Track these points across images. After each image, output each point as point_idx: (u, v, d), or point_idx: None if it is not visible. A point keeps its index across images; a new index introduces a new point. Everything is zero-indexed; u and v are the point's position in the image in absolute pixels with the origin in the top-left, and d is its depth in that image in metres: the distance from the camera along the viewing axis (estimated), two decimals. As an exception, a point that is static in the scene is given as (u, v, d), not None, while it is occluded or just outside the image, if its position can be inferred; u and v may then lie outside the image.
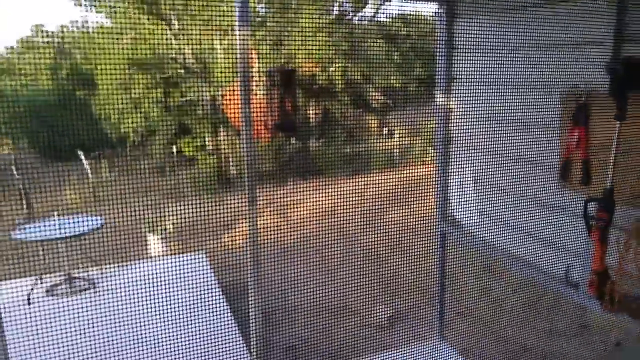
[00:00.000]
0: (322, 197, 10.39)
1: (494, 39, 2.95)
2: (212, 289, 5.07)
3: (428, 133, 14.34)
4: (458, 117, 3.37)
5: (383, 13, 20.46)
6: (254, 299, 3.44)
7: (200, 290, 5.08)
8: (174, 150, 13.25)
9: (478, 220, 3.25)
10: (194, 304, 4.82)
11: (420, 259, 6.41)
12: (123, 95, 12.64)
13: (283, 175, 12.63)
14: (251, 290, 3.43)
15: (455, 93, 3.36)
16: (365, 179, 12.08)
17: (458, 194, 3.42)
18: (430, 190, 10.00)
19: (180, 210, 8.85)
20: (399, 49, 14.26)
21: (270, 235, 7.95)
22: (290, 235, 7.84)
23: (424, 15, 16.54)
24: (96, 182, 11.59)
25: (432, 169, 12.60)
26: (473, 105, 3.19)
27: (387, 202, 9.31)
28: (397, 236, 7.50)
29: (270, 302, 5.46)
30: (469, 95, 3.24)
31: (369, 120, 18.39)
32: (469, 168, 3.28)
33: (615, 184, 2.02)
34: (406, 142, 15.13)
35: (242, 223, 8.53)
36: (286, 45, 11.23)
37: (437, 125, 3.53)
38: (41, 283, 5.32)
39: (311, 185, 11.74)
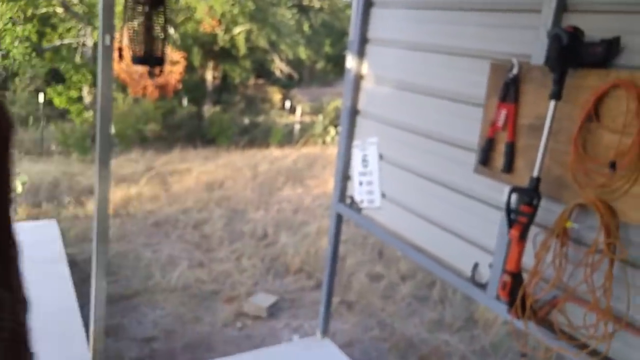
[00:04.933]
0: (211, 167, 9.69)
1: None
2: (56, 263, 4.21)
3: (331, 113, 14.11)
4: (370, 84, 2.91)
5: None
6: (97, 277, 2.77)
7: (40, 265, 4.18)
8: (41, 98, 11.55)
9: (379, 203, 2.83)
10: (29, 281, 3.95)
11: (314, 241, 6.05)
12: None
13: (170, 141, 11.63)
14: (95, 267, 2.75)
15: (370, 57, 2.89)
16: (261, 153, 11.53)
17: (360, 172, 2.98)
18: (330, 171, 9.75)
19: (38, 169, 7.59)
20: (310, 21, 13.75)
21: (145, 205, 7.11)
22: (169, 207, 7.09)
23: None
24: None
25: (333, 148, 12.37)
26: (387, 72, 2.75)
27: (282, 179, 8.85)
28: (289, 216, 7.09)
29: (130, 283, 4.73)
30: (384, 60, 2.80)
31: (271, 91, 17.75)
32: (375, 144, 2.84)
33: (543, 173, 1.67)
34: (308, 120, 14.75)
35: (113, 189, 7.56)
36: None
37: (344, 93, 3.05)
38: None
39: (201, 155, 10.94)
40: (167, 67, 10.64)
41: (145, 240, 5.90)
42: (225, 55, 13.29)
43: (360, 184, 3.04)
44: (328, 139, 13.27)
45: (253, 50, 13.30)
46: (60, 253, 4.45)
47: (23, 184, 6.35)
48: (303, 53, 12.96)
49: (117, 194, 7.24)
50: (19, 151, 9.79)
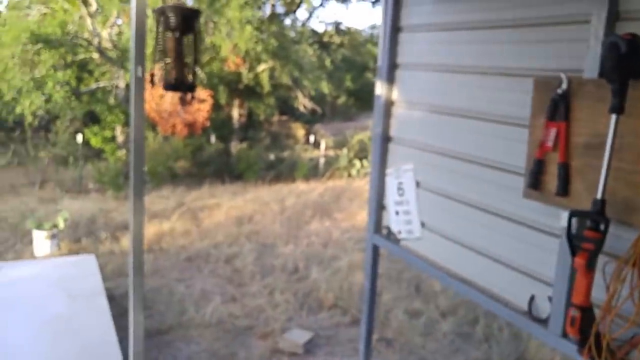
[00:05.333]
0: (240, 202, 9.73)
1: (447, 17, 2.49)
2: (96, 296, 4.22)
3: (355, 146, 14.13)
4: (401, 110, 2.88)
5: (317, 18, 20.25)
6: (135, 311, 2.73)
7: (80, 299, 4.22)
8: (79, 139, 11.90)
9: (419, 233, 2.74)
10: (70, 314, 3.97)
11: (346, 275, 5.94)
12: (22, 73, 11.17)
13: (200, 177, 11.77)
14: (132, 301, 2.71)
15: (400, 82, 2.87)
16: (287, 187, 11.56)
17: (396, 201, 2.91)
18: (358, 203, 9.68)
19: (78, 206, 7.73)
20: (331, 56, 13.96)
21: (177, 240, 7.14)
22: (200, 242, 7.09)
23: (358, 29, 16.49)
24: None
25: (359, 181, 12.32)
26: (420, 97, 2.71)
27: (309, 213, 8.80)
28: (319, 250, 7.01)
29: (164, 317, 4.69)
30: (416, 84, 2.77)
31: (295, 127, 17.94)
32: (411, 171, 2.77)
33: (608, 194, 1.56)
34: (333, 153, 14.78)
35: (146, 225, 7.62)
36: (210, 35, 10.45)
37: (375, 120, 3.02)
38: None
39: (229, 190, 11.02)
40: (195, 106, 10.90)
41: (178, 275, 5.89)
42: (250, 92, 13.55)
43: (397, 213, 2.96)
44: (353, 171, 13.24)
45: (277, 87, 13.53)
46: (99, 287, 4.48)
47: (65, 220, 6.48)
48: (326, 88, 13.11)
49: (149, 230, 7.30)
50: (60, 189, 10.04)
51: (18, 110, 11.45)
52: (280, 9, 12.46)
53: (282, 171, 12.80)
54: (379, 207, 3.06)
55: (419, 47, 2.76)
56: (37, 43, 10.97)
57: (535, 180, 1.90)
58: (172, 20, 2.07)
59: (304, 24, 13.57)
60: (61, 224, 6.35)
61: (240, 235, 7.43)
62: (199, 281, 5.71)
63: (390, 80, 2.90)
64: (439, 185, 2.57)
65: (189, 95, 2.30)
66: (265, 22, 10.55)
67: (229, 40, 9.81)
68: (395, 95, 2.90)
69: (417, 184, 2.75)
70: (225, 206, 9.14)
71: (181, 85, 2.21)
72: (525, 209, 2.03)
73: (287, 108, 16.86)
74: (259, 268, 6.13)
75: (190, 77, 2.21)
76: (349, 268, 6.01)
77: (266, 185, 11.67)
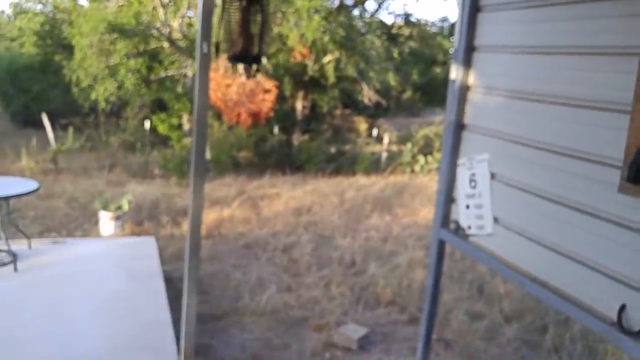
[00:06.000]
0: (299, 193, 9.71)
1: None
2: (153, 278, 4.29)
3: (420, 141, 13.75)
4: (478, 95, 2.66)
5: (386, 10, 19.90)
6: (188, 294, 2.70)
7: (139, 279, 4.30)
8: (147, 126, 12.34)
9: (490, 229, 2.53)
10: (128, 292, 4.05)
11: (406, 272, 5.73)
12: (98, 61, 11.72)
13: (262, 167, 11.86)
14: (186, 285, 2.68)
15: (478, 66, 2.65)
16: (348, 180, 11.42)
17: (467, 194, 2.70)
18: (420, 200, 9.39)
19: (142, 190, 7.96)
20: (399, 49, 13.61)
21: (236, 227, 7.19)
22: (259, 230, 7.11)
23: (428, 21, 15.99)
24: (56, 151, 10.65)
25: (422, 177, 11.98)
26: (500, 81, 2.49)
27: (369, 207, 8.62)
28: (378, 244, 6.83)
29: (219, 303, 4.70)
30: (495, 67, 2.54)
31: (358, 120, 17.73)
32: (486, 161, 2.56)
33: None
34: (396, 149, 14.47)
35: (207, 211, 7.74)
36: (278, 25, 10.45)
37: (448, 106, 2.81)
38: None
39: (289, 181, 11.03)
40: (259, 96, 10.99)
41: (235, 262, 5.91)
42: (314, 84, 13.48)
43: (467, 207, 2.75)
44: (417, 167, 12.88)
45: (341, 80, 13.38)
46: (157, 269, 4.55)
47: (129, 202, 6.69)
48: (392, 79, 12.79)
49: (210, 216, 7.41)
50: (127, 173, 10.45)
51: (93, 96, 12.06)
52: (349, 1, 12.27)
53: (343, 164, 12.67)
54: (447, 199, 2.86)
55: (501, 27, 2.53)
56: (113, 33, 11.46)
57: (636, 173, 1.66)
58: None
59: (372, 15, 13.32)
60: (125, 206, 6.56)
61: (299, 225, 7.39)
62: (255, 269, 5.70)
63: (467, 63, 2.68)
64: (517, 177, 2.34)
65: (254, 68, 2.21)
66: (334, 12, 10.41)
67: (297, 30, 9.76)
68: (471, 79, 2.69)
69: (492, 176, 2.53)
70: (285, 196, 9.14)
71: (246, 56, 2.12)
72: (620, 205, 1.78)
73: (350, 101, 16.67)
74: (316, 259, 6.04)
75: (256, 49, 2.12)
76: (408, 265, 5.80)
77: (326, 178, 11.59)
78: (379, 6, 13.60)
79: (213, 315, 4.47)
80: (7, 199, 4.50)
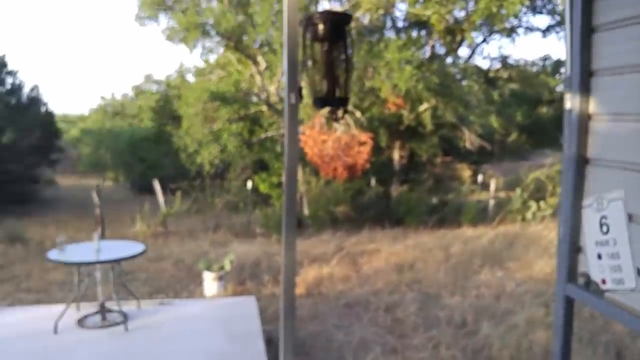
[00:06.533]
0: (400, 248, 9.31)
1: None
2: (253, 338, 4.18)
3: (530, 186, 12.80)
4: (602, 124, 2.28)
5: (480, 55, 19.41)
6: (286, 357, 2.50)
7: (240, 339, 4.21)
8: (249, 186, 12.80)
9: (633, 283, 2.08)
10: (229, 353, 3.95)
11: (525, 332, 5.09)
12: (202, 127, 12.56)
13: (359, 221, 11.66)
14: (282, 348, 2.49)
15: (598, 92, 2.29)
16: (452, 232, 10.80)
17: (597, 241, 2.28)
18: (535, 251, 8.56)
19: (244, 249, 8.07)
20: (499, 91, 13.04)
21: (336, 286, 6.96)
22: (359, 288, 6.81)
23: (528, 60, 15.26)
24: (166, 214, 11.33)
25: (535, 225, 11.03)
26: (630, 106, 2.10)
27: (478, 262, 7.99)
28: (490, 302, 6.22)
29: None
30: (621, 91, 2.17)
31: (460, 168, 17.06)
32: (620, 200, 2.14)
33: None
34: (504, 195, 13.58)
35: (306, 269, 7.63)
36: (370, 79, 10.51)
37: (565, 139, 2.45)
38: (77, 310, 4.74)
39: (389, 235, 10.67)
40: (355, 149, 10.97)
41: (337, 322, 5.64)
42: (411, 133, 13.26)
43: (599, 257, 2.30)
44: (529, 215, 11.91)
45: (440, 127, 13.03)
46: (258, 329, 4.45)
47: (231, 262, 6.78)
48: (495, 122, 12.17)
49: (309, 274, 7.28)
50: (230, 233, 10.79)
51: (198, 160, 12.87)
52: (440, 50, 12.12)
53: (447, 215, 12.06)
54: (572, 249, 2.43)
55: (622, 46, 2.17)
56: (215, 101, 12.28)
57: None
58: (321, 28, 1.87)
59: (466, 61, 13.01)
60: (227, 266, 6.63)
61: (401, 283, 6.99)
62: (358, 329, 5.39)
63: (585, 90, 2.33)
64: (665, 218, 1.91)
65: (340, 112, 2.05)
66: (425, 62, 10.30)
67: (389, 82, 9.74)
68: (592, 107, 2.32)
69: (630, 218, 2.10)
70: (385, 252, 8.80)
71: (332, 99, 1.98)
72: None
73: (451, 148, 16.17)
74: (422, 319, 5.59)
75: (342, 91, 1.97)
76: (527, 324, 5.15)
77: (428, 231, 11.08)
78: (473, 52, 13.29)
79: (314, 379, 4.22)
80: (118, 261, 4.72)
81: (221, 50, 12.45)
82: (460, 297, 6.29)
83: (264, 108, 12.99)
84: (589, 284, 2.36)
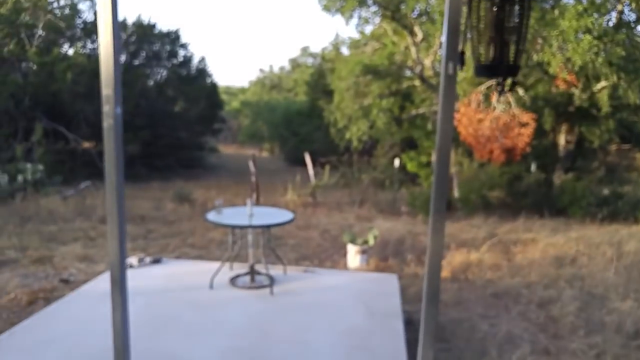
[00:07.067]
0: (560, 240, 8.41)
1: None
2: (392, 317, 4.09)
3: None
4: None
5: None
6: (424, 345, 2.35)
7: (378, 316, 4.15)
8: (397, 164, 12.61)
9: None
10: (367, 329, 3.92)
11: None
12: (353, 102, 12.59)
13: (515, 208, 10.79)
14: (423, 332, 2.34)
15: None
16: (627, 229, 9.45)
17: None
18: None
19: (389, 226, 8.00)
20: None
21: (484, 273, 6.53)
22: (510, 279, 6.30)
23: None
24: (315, 186, 11.71)
25: None
26: None
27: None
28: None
29: (462, 355, 4.18)
30: None
31: (639, 158, 14.86)
32: None
33: None
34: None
35: (453, 253, 7.29)
36: (539, 53, 9.46)
37: None
38: (231, 269, 5.13)
39: (548, 225, 9.72)
40: (515, 130, 10.09)
41: (483, 311, 5.30)
42: (582, 115, 11.79)
43: None
44: None
45: (619, 109, 11.34)
46: (397, 308, 4.35)
47: (375, 237, 6.75)
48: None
49: (456, 258, 6.95)
50: (375, 209, 10.81)
51: (347, 136, 12.98)
52: (629, 16, 10.31)
53: (621, 209, 10.58)
54: None
55: None
56: (367, 74, 12.18)
57: None
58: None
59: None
60: (371, 241, 6.61)
61: (559, 278, 6.31)
62: (505, 322, 4.99)
63: None
64: None
65: (507, 82, 1.78)
66: (610, 31, 8.87)
67: (561, 55, 8.62)
68: None
69: None
70: (542, 242, 8.03)
71: (499, 67, 1.72)
72: None
73: (631, 135, 14.11)
74: (583, 322, 4.97)
75: (511, 57, 1.71)
76: None
77: (596, 224, 9.85)
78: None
79: (454, 368, 4.00)
80: (268, 227, 4.96)
81: (377, 20, 12.18)
82: (633, 302, 5.46)
83: (417, 82, 12.55)
84: None
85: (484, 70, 1.84)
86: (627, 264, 6.89)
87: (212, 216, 4.93)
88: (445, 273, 6.47)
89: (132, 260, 5.40)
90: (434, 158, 11.94)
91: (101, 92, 2.07)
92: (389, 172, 13.10)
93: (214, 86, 20.71)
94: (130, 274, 2.32)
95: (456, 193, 11.39)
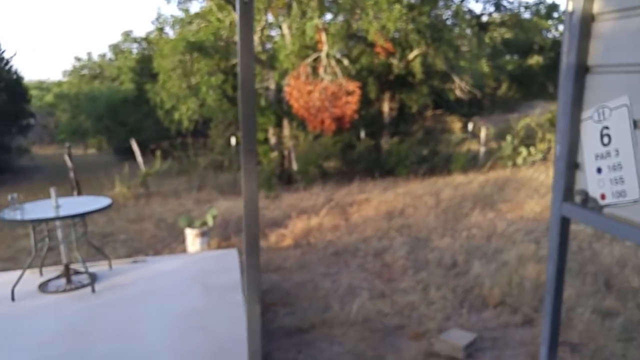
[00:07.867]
0: (390, 196, 9.11)
1: None
2: (232, 290, 3.97)
3: (521, 132, 12.56)
4: (607, 25, 1.99)
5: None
6: (250, 304, 2.29)
7: (217, 293, 4.01)
8: (233, 142, 12.42)
9: (637, 195, 1.85)
10: (204, 307, 3.74)
11: (515, 269, 4.94)
12: (180, 82, 12.00)
13: (350, 174, 11.41)
14: (247, 294, 2.27)
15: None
16: (443, 179, 10.61)
17: (598, 154, 2.04)
18: (525, 193, 8.40)
19: (229, 206, 7.77)
20: (490, 35, 12.54)
21: (325, 235, 6.78)
22: (348, 237, 6.63)
23: (522, 1, 14.51)
24: (145, 175, 10.95)
25: (526, 170, 10.84)
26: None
27: (469, 205, 7.82)
28: (481, 242, 6.06)
29: (306, 314, 4.26)
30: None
31: (450, 120, 16.75)
32: (625, 107, 1.89)
33: None
34: (495, 146, 13.34)
35: (294, 221, 7.42)
36: (357, 22, 9.99)
37: (563, 44, 2.16)
38: (41, 275, 4.41)
39: (380, 185, 10.46)
40: (342, 99, 10.59)
41: (325, 270, 5.48)
42: (401, 84, 12.85)
43: (599, 170, 2.07)
44: (519, 160, 11.73)
45: (430, 76, 12.60)
46: (237, 281, 4.23)
47: (213, 217, 6.53)
48: (485, 67, 11.74)
49: (297, 226, 7.08)
50: (216, 192, 10.48)
51: (176, 116, 12.31)
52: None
53: (437, 164, 11.85)
54: (570, 166, 2.19)
55: None
56: (192, 51, 11.67)
57: None
58: None
59: (459, 4, 12.37)
60: (210, 221, 6.39)
61: (391, 229, 6.82)
62: (345, 276, 5.23)
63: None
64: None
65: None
66: (417, 5, 9.71)
67: (377, 23, 9.20)
68: (597, 6, 2.02)
69: (635, 124, 1.85)
70: (375, 201, 8.61)
71: None
72: None
73: (442, 102, 15.77)
74: (412, 262, 5.44)
75: None
76: (518, 261, 5.02)
77: (419, 179, 10.88)
78: (466, -6, 12.67)
79: (299, 328, 4.05)
80: (80, 216, 4.25)
81: (201, -2, 11.65)
82: (450, 239, 6.14)
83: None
84: (586, 201, 2.13)
85: None
86: (444, 208, 7.72)
87: (6, 214, 4.11)
88: (287, 241, 6.56)
89: None
90: (270, 134, 11.93)
91: None
92: (228, 153, 12.84)
93: (17, 77, 18.09)
94: None
95: (295, 166, 11.64)
